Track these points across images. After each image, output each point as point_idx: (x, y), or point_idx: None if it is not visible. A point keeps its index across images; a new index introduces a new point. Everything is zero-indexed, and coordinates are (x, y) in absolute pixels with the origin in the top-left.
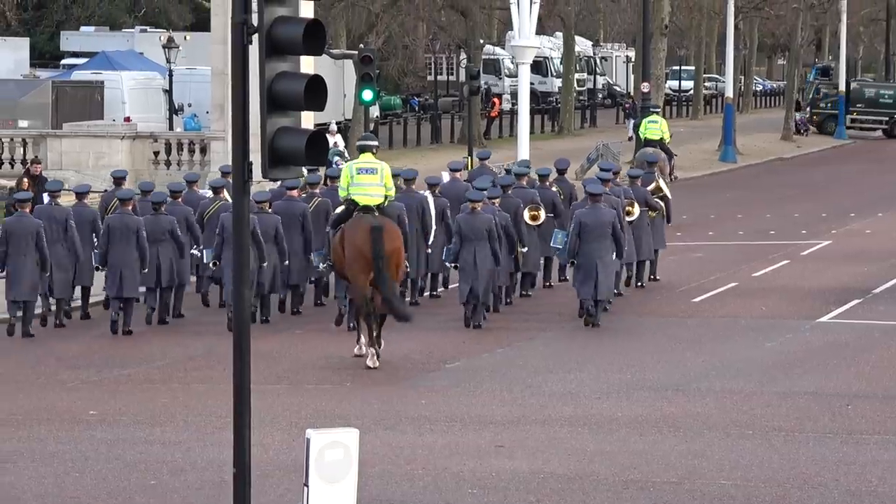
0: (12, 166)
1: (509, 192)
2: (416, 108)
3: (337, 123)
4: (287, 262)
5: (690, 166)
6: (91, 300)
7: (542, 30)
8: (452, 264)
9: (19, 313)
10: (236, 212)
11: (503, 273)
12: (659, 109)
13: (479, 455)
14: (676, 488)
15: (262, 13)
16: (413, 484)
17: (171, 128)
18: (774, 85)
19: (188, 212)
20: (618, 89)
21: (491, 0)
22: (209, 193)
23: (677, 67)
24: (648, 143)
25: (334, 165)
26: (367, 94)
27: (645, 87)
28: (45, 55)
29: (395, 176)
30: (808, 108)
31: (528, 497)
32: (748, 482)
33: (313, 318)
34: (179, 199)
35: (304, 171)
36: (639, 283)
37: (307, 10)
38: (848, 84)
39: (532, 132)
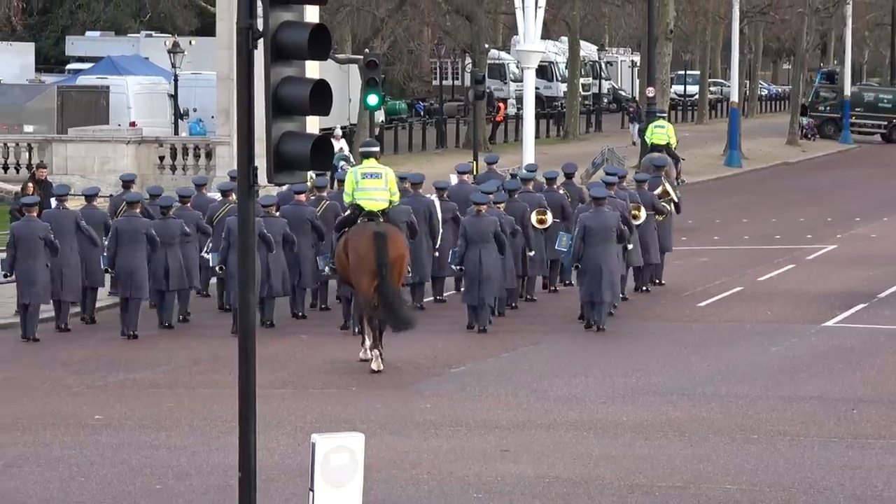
0: (18, 171)
1: (516, 196)
2: (422, 113)
3: (342, 128)
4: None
5: (696, 171)
6: (97, 304)
7: (547, 34)
8: (457, 266)
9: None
10: (241, 216)
11: (508, 276)
12: (665, 114)
13: (484, 459)
14: (682, 493)
15: (268, 18)
16: (418, 488)
17: (176, 132)
18: (780, 89)
19: (197, 216)
20: (623, 94)
21: (496, 5)
22: (218, 197)
23: (682, 72)
24: (655, 147)
25: (339, 170)
26: (373, 99)
27: (650, 91)
28: (50, 60)
29: (402, 179)
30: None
31: (533, 501)
32: (753, 487)
33: (319, 322)
34: (188, 204)
35: (312, 174)
36: (643, 288)
37: (312, 15)
38: None
39: (537, 137)
